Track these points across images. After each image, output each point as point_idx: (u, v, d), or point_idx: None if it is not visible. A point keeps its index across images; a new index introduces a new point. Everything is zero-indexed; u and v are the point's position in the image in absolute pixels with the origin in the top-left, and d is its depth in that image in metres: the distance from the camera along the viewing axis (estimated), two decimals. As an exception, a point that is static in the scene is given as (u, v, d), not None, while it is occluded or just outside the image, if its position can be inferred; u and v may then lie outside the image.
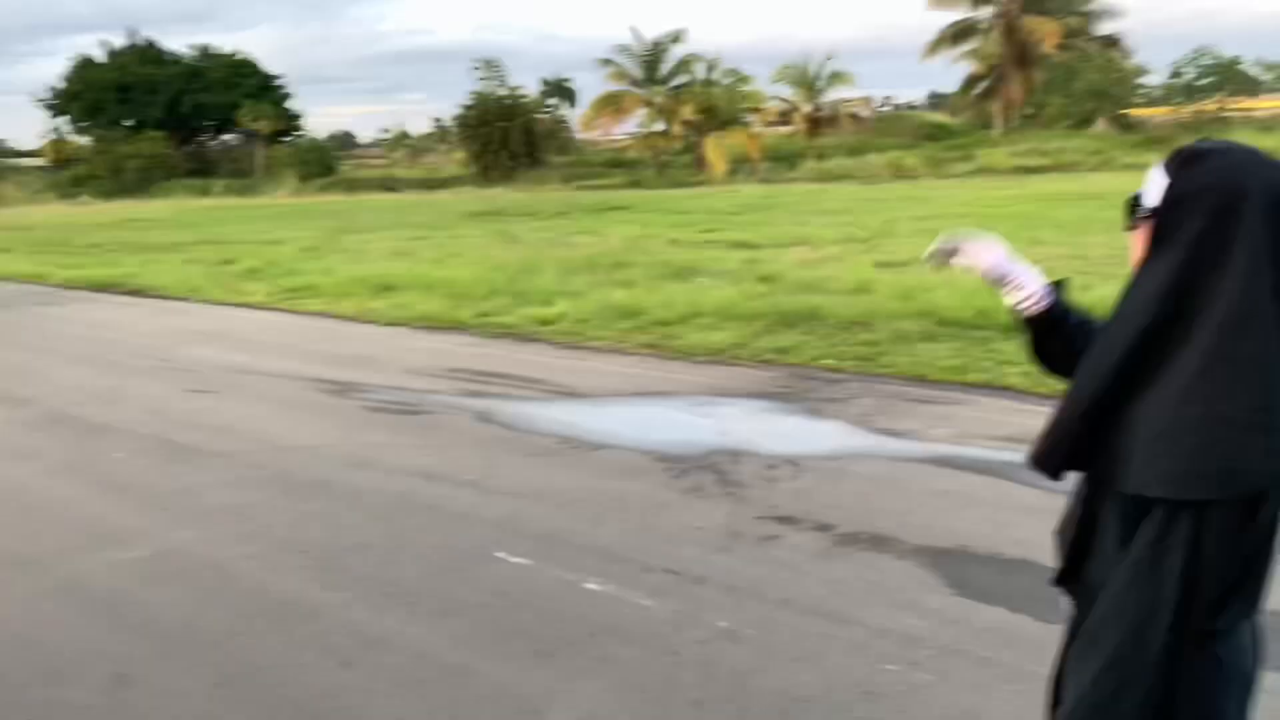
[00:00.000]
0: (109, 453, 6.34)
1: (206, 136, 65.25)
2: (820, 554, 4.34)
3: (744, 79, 43.73)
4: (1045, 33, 43.29)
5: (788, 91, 44.19)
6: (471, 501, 5.21)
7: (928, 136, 46.92)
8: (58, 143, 62.84)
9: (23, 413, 7.49)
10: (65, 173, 60.61)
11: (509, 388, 7.83)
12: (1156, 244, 1.46)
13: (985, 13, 46.23)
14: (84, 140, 61.71)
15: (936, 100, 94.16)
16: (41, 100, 61.73)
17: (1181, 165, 1.46)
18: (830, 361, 7.96)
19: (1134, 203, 1.55)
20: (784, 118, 45.25)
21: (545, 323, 10.36)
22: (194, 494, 5.49)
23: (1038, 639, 3.51)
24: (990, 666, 3.35)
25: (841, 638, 3.59)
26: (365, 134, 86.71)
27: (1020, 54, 45.20)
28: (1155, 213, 1.47)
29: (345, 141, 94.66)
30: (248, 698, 3.36)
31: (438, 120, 69.53)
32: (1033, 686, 3.18)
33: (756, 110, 44.44)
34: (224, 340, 10.37)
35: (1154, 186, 1.50)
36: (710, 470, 5.53)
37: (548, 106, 63.72)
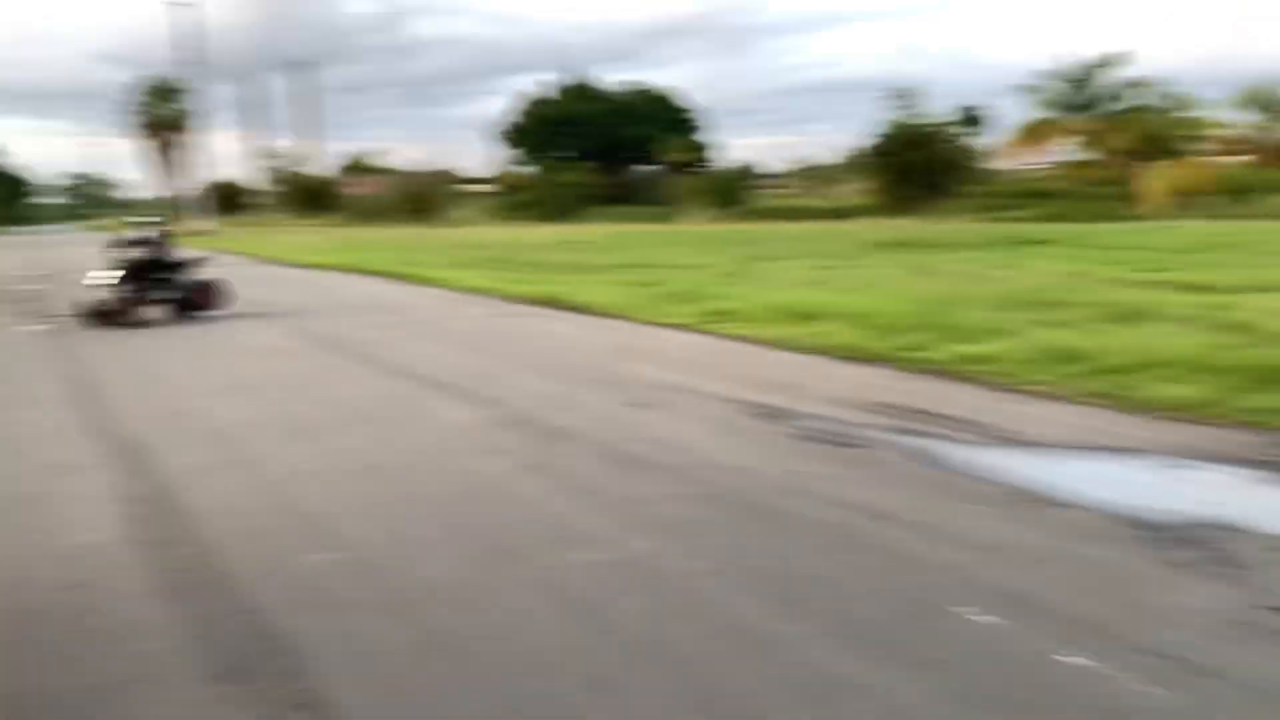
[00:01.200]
0: (566, 456, 6.83)
1: (628, 166, 70.37)
2: (1369, 664, 3.60)
3: (1190, 103, 39.49)
4: None
5: (1247, 117, 39.26)
6: (919, 546, 4.95)
7: None
8: (506, 173, 70.81)
9: (492, 413, 8.30)
10: (509, 198, 68.31)
11: (943, 428, 7.45)
12: None
13: None
14: (526, 169, 69.08)
15: None
16: (495, 134, 70.07)
17: None
18: (1341, 429, 6.77)
19: None
20: (1240, 146, 40.24)
21: (975, 361, 9.81)
22: (645, 504, 5.71)
23: None
24: None
25: None
26: (774, 164, 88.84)
27: None
28: None
29: (752, 171, 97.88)
30: (722, 723, 3.35)
31: (848, 151, 69.68)
32: None
33: (1204, 138, 39.91)
34: (656, 359, 10.89)
35: None
36: (1198, 545, 4.84)
37: (961, 135, 61.77)
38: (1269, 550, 4.74)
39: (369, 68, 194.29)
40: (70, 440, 7.76)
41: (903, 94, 55.18)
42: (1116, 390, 8.27)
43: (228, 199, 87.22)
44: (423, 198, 63.73)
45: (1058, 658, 3.72)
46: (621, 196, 63.31)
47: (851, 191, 61.50)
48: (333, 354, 12.04)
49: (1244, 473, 6.06)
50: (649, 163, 69.28)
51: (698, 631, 4.04)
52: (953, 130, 53.25)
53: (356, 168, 76.72)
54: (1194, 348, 9.24)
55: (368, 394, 9.40)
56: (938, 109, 50.46)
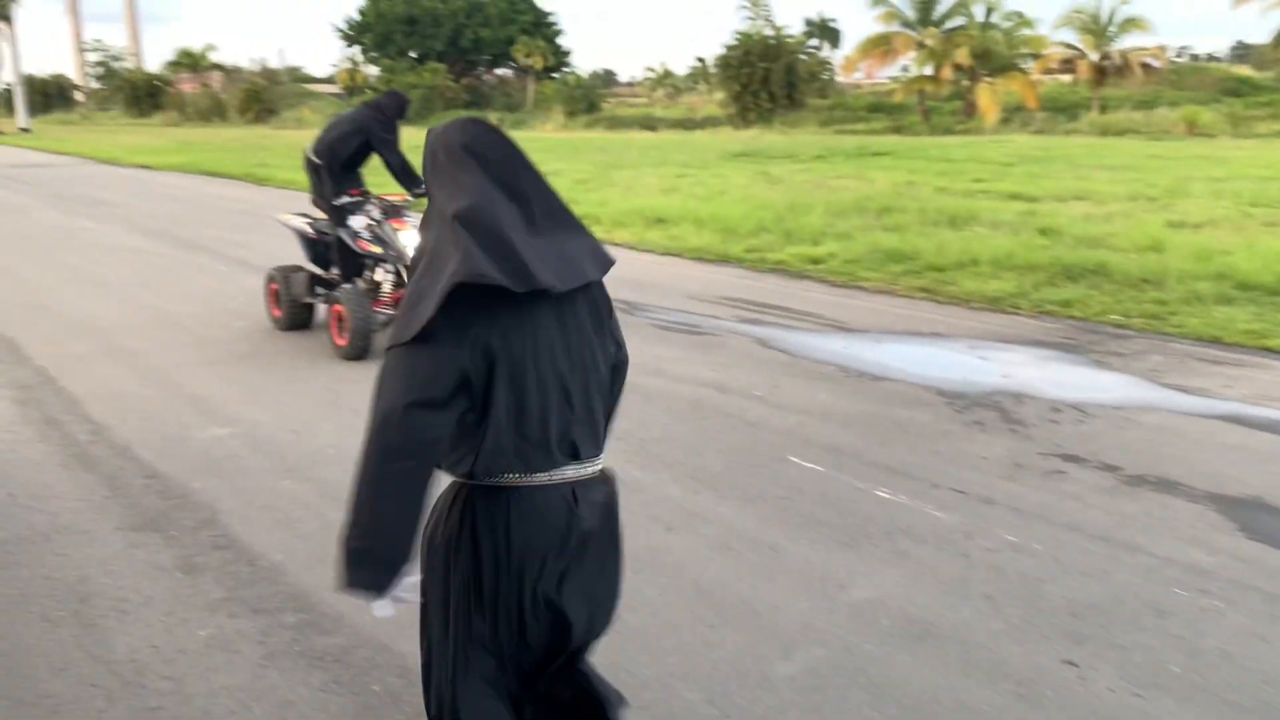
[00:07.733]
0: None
1: (482, 70, 68.72)
2: (1107, 490, 4.51)
3: (1025, 22, 41.41)
4: (1385, -22, 38.30)
5: (1073, 37, 41.45)
6: (761, 413, 5.67)
7: (1229, 91, 42.89)
8: (350, 71, 68.08)
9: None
10: (354, 99, 65.93)
11: (785, 318, 8.22)
12: None
13: (1313, -46, 41.41)
14: (372, 70, 66.65)
15: (1242, 52, 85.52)
16: (338, 31, 67.17)
17: None
18: (1116, 317, 7.85)
19: None
20: (1066, 65, 42.57)
21: (815, 261, 10.65)
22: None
23: (1337, 584, 3.60)
24: (1283, 603, 3.48)
25: (1129, 562, 3.80)
26: (629, 71, 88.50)
27: (1351, 2, 40.31)
28: None
29: (607, 79, 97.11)
30: (592, 546, 3.97)
31: (700, 59, 70.03)
32: (1332, 618, 3.32)
33: (1036, 56, 42.00)
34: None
35: None
36: (992, 408, 5.74)
37: (810, 47, 62.85)
38: (1048, 412, 5.66)
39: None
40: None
41: (756, 2, 55.78)
42: (936, 285, 9.23)
43: (45, 96, 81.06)
44: (261, 97, 60.95)
45: (868, 493, 4.49)
46: (474, 101, 62.02)
47: (704, 101, 62.04)
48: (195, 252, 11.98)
49: (1035, 352, 7.05)
50: (504, 67, 68.00)
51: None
52: (802, 41, 54.24)
53: (187, 64, 72.11)
54: (1007, 248, 10.31)
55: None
56: (787, 19, 51.03)
